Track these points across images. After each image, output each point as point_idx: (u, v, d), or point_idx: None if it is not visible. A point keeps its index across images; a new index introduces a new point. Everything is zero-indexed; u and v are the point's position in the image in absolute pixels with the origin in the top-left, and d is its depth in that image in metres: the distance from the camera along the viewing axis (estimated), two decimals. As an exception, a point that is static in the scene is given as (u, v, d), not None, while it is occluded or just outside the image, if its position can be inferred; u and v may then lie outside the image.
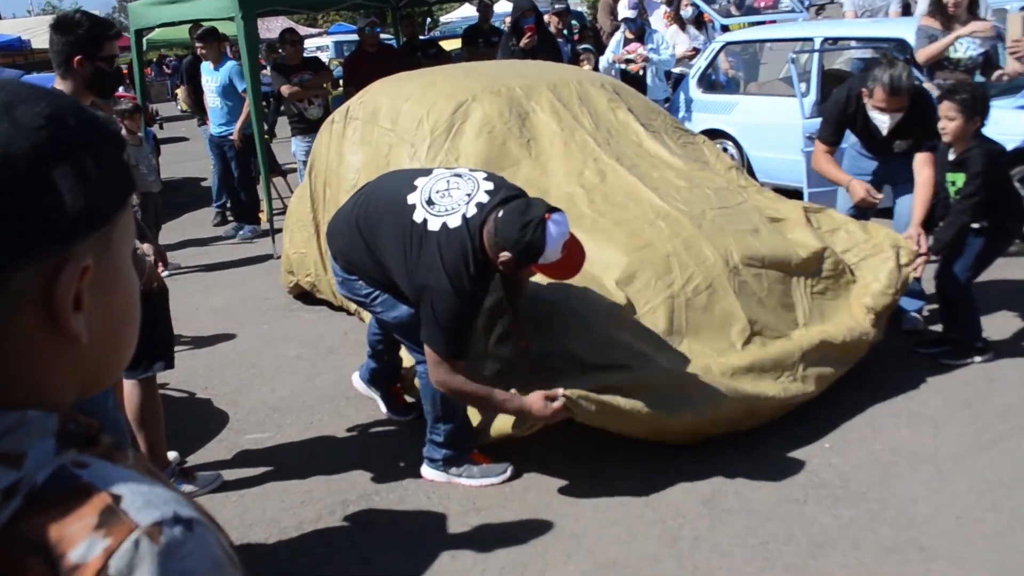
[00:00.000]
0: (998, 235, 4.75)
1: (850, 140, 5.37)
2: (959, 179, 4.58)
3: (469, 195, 3.61)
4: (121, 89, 21.79)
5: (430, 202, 3.62)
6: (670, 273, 4.27)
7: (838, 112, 5.14)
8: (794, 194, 7.61)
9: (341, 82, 9.27)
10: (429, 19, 12.65)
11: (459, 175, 3.77)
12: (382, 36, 10.55)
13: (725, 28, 10.13)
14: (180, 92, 10.55)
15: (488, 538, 3.69)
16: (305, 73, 9.06)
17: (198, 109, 10.53)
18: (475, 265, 3.51)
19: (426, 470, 4.21)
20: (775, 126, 7.92)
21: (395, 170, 4.47)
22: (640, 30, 8.68)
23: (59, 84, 3.61)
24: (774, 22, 10.34)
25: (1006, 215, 4.71)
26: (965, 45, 6.26)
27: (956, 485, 3.75)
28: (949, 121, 4.58)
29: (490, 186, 3.66)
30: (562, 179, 4.78)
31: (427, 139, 5.04)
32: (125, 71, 14.17)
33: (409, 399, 4.73)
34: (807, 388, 4.23)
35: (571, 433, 4.26)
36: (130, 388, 4.03)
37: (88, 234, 0.82)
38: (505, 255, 3.46)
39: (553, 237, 3.39)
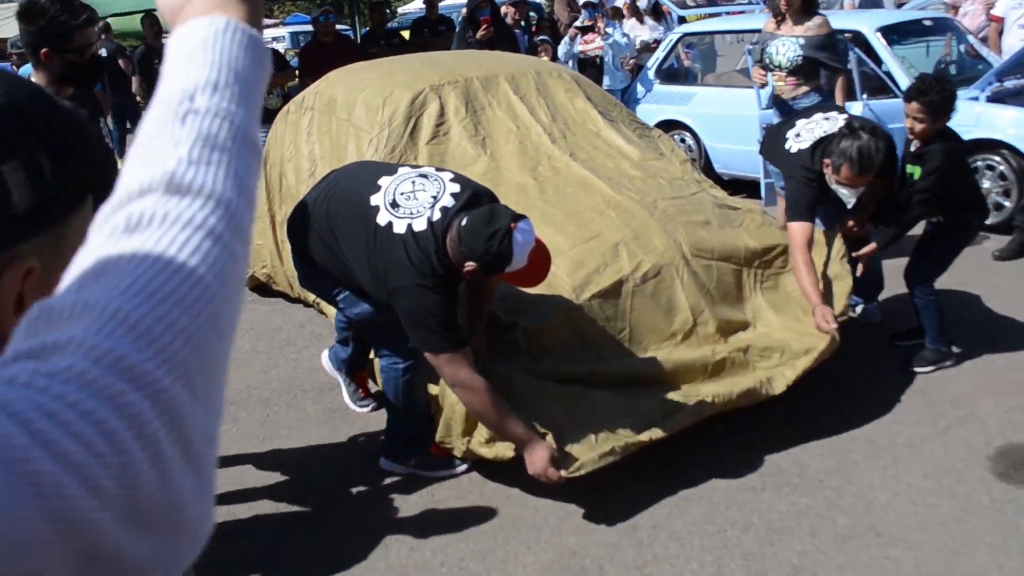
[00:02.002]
0: (957, 230, 4.70)
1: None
2: (917, 172, 4.53)
3: (435, 197, 3.54)
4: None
5: (394, 204, 3.54)
6: (618, 261, 4.25)
7: (813, 197, 4.62)
8: (751, 185, 7.70)
9: (297, 72, 9.15)
10: (388, 10, 12.48)
11: (425, 176, 3.68)
12: (338, 26, 10.46)
13: (682, 19, 10.18)
14: (134, 83, 10.35)
15: (448, 530, 3.67)
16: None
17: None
18: (442, 268, 3.46)
19: (385, 462, 4.17)
20: (732, 117, 7.95)
21: (358, 162, 4.41)
22: (599, 18, 8.69)
23: (35, 77, 3.39)
24: (735, 13, 10.39)
25: (966, 210, 4.67)
26: (785, 47, 6.04)
27: (912, 472, 3.79)
28: (917, 123, 4.42)
29: (456, 188, 3.59)
30: (515, 172, 4.76)
31: (385, 130, 4.99)
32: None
33: (373, 387, 4.69)
34: (749, 389, 4.03)
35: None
36: None
37: (35, 234, 0.76)
38: (471, 265, 3.39)
39: (520, 245, 3.31)
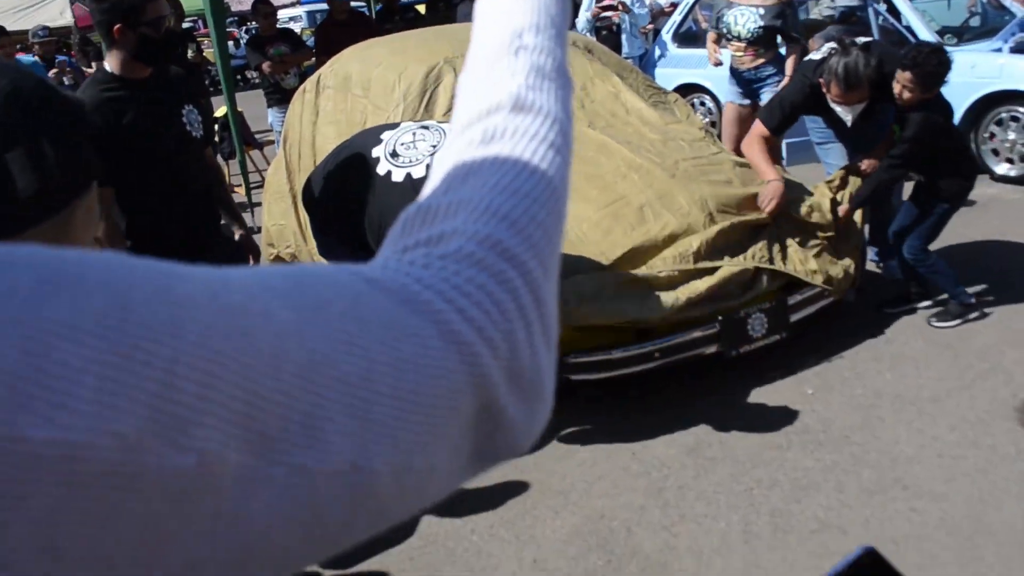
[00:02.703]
0: (942, 194, 4.59)
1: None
2: (898, 131, 4.50)
3: (434, 146, 3.57)
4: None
5: (394, 154, 3.56)
6: (644, 224, 4.27)
7: (795, 104, 4.71)
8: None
9: (313, 51, 9.16)
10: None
11: (426, 127, 3.72)
12: (352, 3, 10.46)
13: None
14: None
15: (476, 498, 3.71)
16: (280, 44, 8.94)
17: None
18: None
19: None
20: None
21: (365, 129, 4.44)
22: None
23: (107, 59, 3.29)
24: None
25: (954, 175, 4.56)
26: (745, 17, 5.91)
27: (937, 425, 3.79)
28: (906, 91, 4.34)
29: None
30: None
31: (400, 105, 5.01)
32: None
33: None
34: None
35: (556, 394, 4.28)
36: None
37: (40, 221, 0.79)
38: None
39: None
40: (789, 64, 6.08)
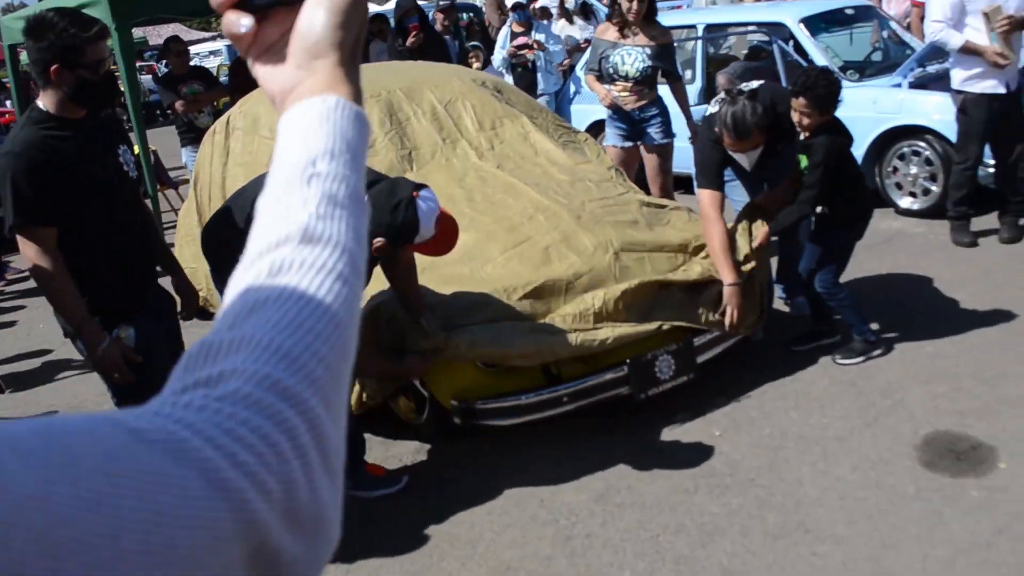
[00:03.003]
0: (850, 221, 4.70)
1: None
2: (803, 160, 4.55)
3: None
4: (9, 104, 21.10)
5: None
6: (550, 264, 4.28)
7: (714, 160, 4.69)
8: (686, 181, 7.74)
9: (228, 90, 9.05)
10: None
11: None
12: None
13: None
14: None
15: (383, 550, 3.65)
16: (194, 83, 8.81)
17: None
18: None
19: (319, 484, 4.14)
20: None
21: (263, 173, 4.39)
22: (527, 21, 8.68)
23: (42, 98, 3.21)
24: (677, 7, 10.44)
25: (852, 200, 4.65)
26: (633, 57, 5.93)
27: (841, 465, 3.83)
28: (804, 117, 4.42)
29: None
30: (443, 184, 4.76)
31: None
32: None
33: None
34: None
35: (464, 445, 4.27)
36: None
37: None
38: (379, 241, 3.41)
39: (424, 213, 3.37)
40: (679, 98, 6.24)
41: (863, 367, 4.65)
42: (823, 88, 4.38)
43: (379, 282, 4.08)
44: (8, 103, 21.61)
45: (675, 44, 6.27)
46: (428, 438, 4.44)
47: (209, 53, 23.79)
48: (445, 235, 3.51)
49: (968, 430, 3.97)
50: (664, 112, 6.18)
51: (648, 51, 5.89)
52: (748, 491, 3.74)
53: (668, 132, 6.22)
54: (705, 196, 4.63)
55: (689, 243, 4.61)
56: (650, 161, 6.27)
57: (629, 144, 6.21)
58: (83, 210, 3.23)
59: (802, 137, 4.58)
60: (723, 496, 3.73)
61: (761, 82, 4.83)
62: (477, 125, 5.18)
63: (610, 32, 6.07)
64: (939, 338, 4.86)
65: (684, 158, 6.08)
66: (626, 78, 5.94)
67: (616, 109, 6.13)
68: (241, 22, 0.86)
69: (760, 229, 4.67)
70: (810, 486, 3.72)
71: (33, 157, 3.11)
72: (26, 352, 6.83)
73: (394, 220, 3.35)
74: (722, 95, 4.61)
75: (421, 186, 3.44)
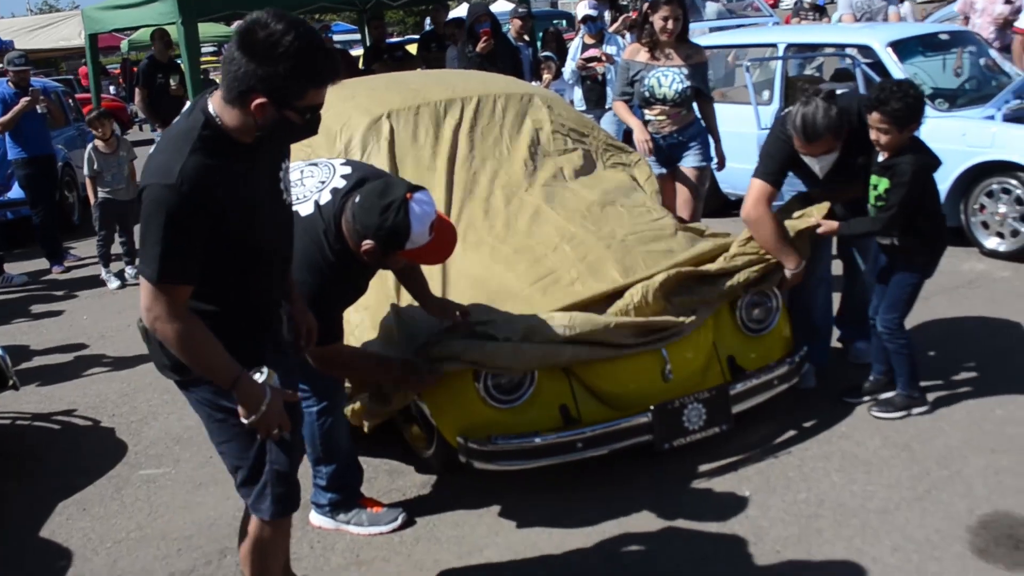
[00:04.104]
0: (918, 258, 4.26)
1: None
2: (882, 183, 4.12)
3: (323, 182, 3.30)
4: (111, 91, 21.58)
5: None
6: (572, 297, 3.95)
7: (779, 155, 4.35)
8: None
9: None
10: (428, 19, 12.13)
11: (315, 164, 3.47)
12: (348, 37, 10.27)
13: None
14: (136, 95, 10.20)
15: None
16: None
17: (152, 114, 10.22)
18: (333, 256, 3.18)
19: (314, 516, 3.88)
20: (735, 135, 7.54)
21: None
22: (600, 33, 8.34)
23: (219, 109, 2.42)
24: (741, 26, 10.00)
25: (926, 234, 4.21)
26: (670, 78, 5.51)
27: (881, 544, 3.39)
28: (881, 134, 4.03)
29: (347, 170, 3.34)
30: (466, 203, 4.46)
31: (341, 157, 4.70)
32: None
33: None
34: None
35: (470, 482, 3.95)
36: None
37: None
38: (368, 243, 3.08)
39: (418, 217, 3.02)
40: (707, 124, 5.84)
41: (920, 429, 4.18)
42: (898, 102, 3.95)
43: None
44: (112, 89, 22.17)
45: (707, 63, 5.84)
46: (436, 471, 4.14)
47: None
48: (440, 242, 3.17)
49: (1033, 513, 3.50)
50: (703, 134, 5.77)
51: (685, 71, 5.49)
52: (771, 565, 3.34)
53: (706, 155, 5.81)
54: (757, 186, 4.31)
55: (726, 246, 4.31)
56: (684, 184, 5.85)
57: (664, 171, 5.78)
58: (235, 256, 2.56)
59: (880, 157, 4.15)
60: (742, 567, 3.34)
61: (846, 87, 4.40)
62: (512, 143, 4.86)
63: (641, 54, 5.64)
64: (1012, 401, 4.37)
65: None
66: (664, 101, 5.53)
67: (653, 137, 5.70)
68: None
69: (820, 211, 4.32)
70: (841, 567, 3.29)
71: (197, 198, 2.36)
72: (63, 345, 6.74)
73: (383, 222, 3.02)
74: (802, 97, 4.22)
75: (417, 188, 3.11)
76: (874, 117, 4.00)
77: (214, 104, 2.43)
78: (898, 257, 4.27)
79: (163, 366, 2.72)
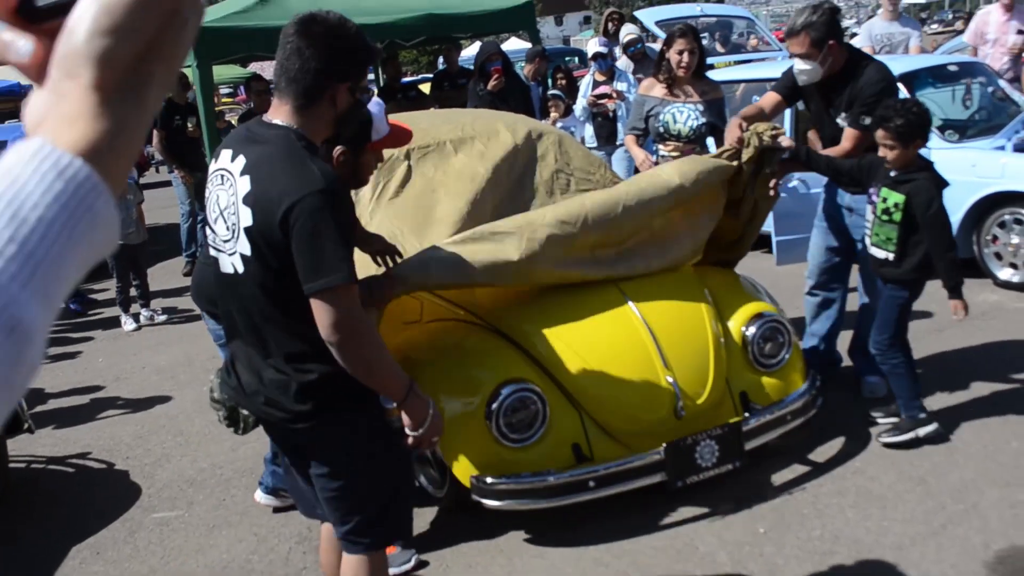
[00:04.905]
0: (906, 277, 4.29)
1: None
2: (893, 197, 4.17)
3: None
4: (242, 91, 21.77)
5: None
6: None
7: (786, 74, 4.91)
8: (762, 240, 7.32)
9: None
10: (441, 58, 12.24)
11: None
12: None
13: (709, 66, 9.83)
14: (154, 137, 10.30)
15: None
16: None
17: (170, 155, 10.32)
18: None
19: (327, 558, 3.87)
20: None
21: None
22: (610, 71, 8.39)
23: (296, 121, 2.50)
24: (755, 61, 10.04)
25: (920, 255, 4.22)
26: (685, 115, 5.48)
27: (896, 580, 3.37)
28: (888, 150, 4.13)
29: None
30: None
31: (353, 195, 4.74)
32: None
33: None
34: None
35: (483, 522, 3.94)
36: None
37: None
38: (338, 150, 3.05)
39: (373, 107, 3.07)
40: None
41: (935, 463, 4.15)
42: (901, 118, 4.05)
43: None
44: (241, 89, 22.28)
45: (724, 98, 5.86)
46: (449, 510, 4.13)
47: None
48: (398, 129, 3.23)
49: (1051, 547, 3.46)
50: None
51: (700, 107, 5.48)
52: (786, 604, 3.31)
53: None
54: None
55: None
56: None
57: None
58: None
59: (892, 173, 4.22)
60: (757, 607, 3.32)
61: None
62: (511, 181, 4.89)
63: (656, 88, 5.63)
64: (1028, 432, 4.34)
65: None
66: (678, 137, 5.52)
67: None
68: (18, 46, 0.64)
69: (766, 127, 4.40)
70: (857, 604, 3.27)
71: (345, 197, 2.60)
72: (78, 387, 6.77)
73: (351, 123, 3.07)
74: None
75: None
76: (880, 135, 4.12)
77: (283, 119, 2.50)
78: (889, 274, 4.32)
79: (300, 413, 2.58)
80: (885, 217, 4.22)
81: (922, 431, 4.30)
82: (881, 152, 4.17)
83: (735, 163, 4.40)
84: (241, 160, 2.50)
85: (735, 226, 4.68)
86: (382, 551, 2.81)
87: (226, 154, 2.59)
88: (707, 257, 4.63)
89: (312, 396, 2.55)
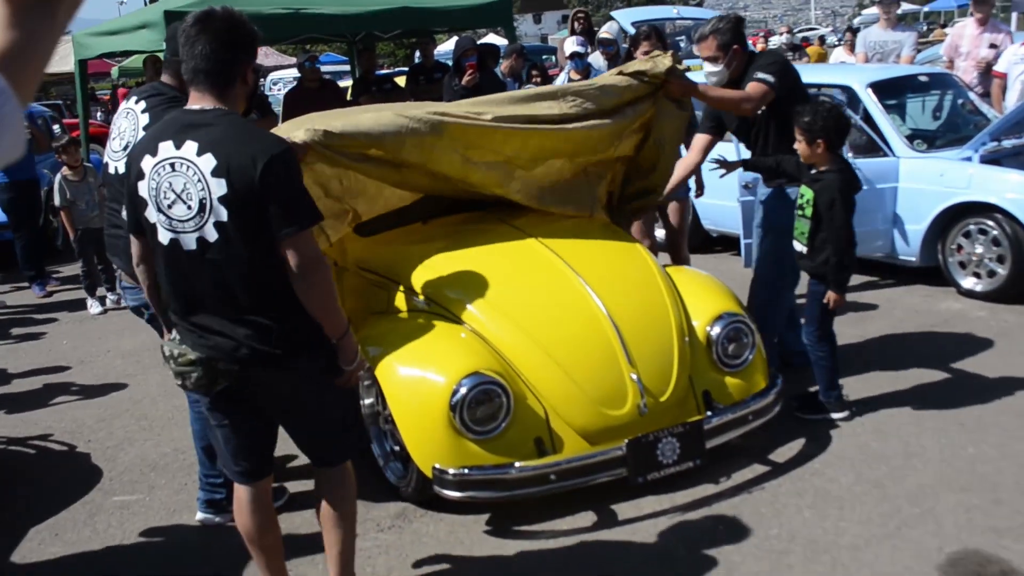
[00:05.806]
0: (816, 273, 4.60)
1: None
2: (808, 193, 4.47)
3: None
4: (99, 116, 21.58)
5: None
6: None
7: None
8: (730, 242, 7.38)
9: (280, 118, 8.95)
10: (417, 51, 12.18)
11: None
12: (337, 68, 10.33)
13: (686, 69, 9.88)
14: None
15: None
16: (252, 114, 8.72)
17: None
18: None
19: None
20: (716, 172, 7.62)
21: None
22: (586, 70, 8.41)
23: (232, 104, 2.86)
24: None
25: (833, 251, 4.45)
26: None
27: (850, 580, 3.42)
28: (797, 143, 4.46)
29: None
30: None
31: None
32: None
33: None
34: None
35: (444, 514, 3.95)
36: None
37: None
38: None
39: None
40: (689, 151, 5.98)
41: (893, 467, 4.20)
42: (808, 115, 4.38)
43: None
44: (99, 115, 22.13)
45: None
46: (411, 501, 4.14)
47: (294, 80, 23.97)
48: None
49: (1002, 551, 3.51)
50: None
51: None
52: (740, 601, 3.35)
53: (684, 189, 5.93)
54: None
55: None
56: (664, 218, 6.14)
57: None
58: None
59: (812, 171, 4.52)
60: (712, 603, 3.35)
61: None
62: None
63: None
64: (984, 439, 4.40)
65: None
66: None
67: None
68: None
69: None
70: (811, 602, 3.31)
71: None
72: (42, 368, 6.72)
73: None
74: None
75: None
76: (796, 129, 4.43)
77: (209, 105, 2.80)
78: (805, 266, 4.64)
79: (268, 353, 2.84)
80: (799, 212, 4.54)
81: (834, 415, 4.67)
82: (795, 145, 4.49)
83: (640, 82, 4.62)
84: (192, 144, 2.74)
85: (650, 154, 4.94)
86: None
87: (166, 145, 2.79)
88: (628, 187, 5.04)
89: (288, 339, 2.83)
